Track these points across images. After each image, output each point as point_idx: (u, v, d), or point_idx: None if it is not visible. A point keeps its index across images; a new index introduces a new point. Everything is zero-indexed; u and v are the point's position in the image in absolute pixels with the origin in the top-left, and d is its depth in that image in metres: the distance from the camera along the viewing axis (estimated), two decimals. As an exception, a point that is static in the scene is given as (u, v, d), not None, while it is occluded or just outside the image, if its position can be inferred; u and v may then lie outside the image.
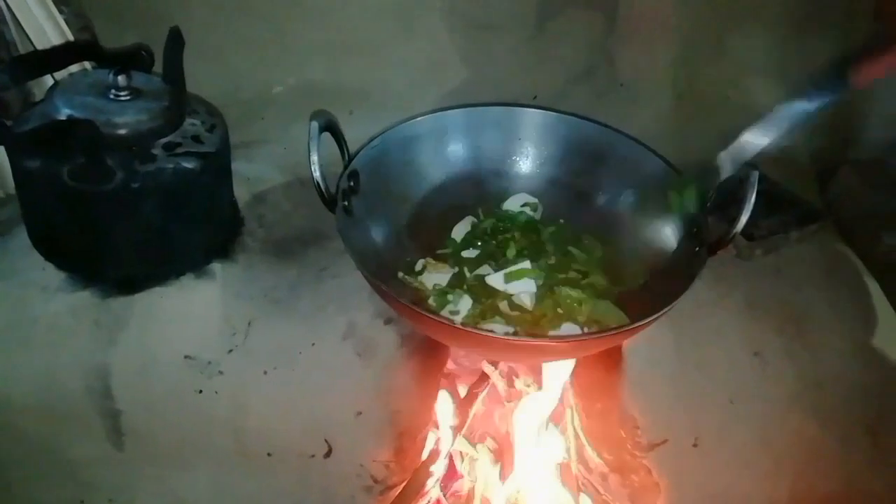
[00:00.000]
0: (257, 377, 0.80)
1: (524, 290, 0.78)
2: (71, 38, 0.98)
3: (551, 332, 0.75)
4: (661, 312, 0.67)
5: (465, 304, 0.78)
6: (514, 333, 0.74)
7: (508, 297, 0.78)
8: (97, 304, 0.82)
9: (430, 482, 0.83)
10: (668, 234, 0.81)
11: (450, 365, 0.89)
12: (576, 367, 0.85)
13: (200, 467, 0.81)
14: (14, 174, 0.83)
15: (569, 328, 0.75)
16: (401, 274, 0.81)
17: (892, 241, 1.02)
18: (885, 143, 1.12)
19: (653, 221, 0.83)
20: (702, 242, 0.75)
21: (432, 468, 0.83)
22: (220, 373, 0.80)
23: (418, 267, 0.82)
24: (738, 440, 0.82)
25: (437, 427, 0.85)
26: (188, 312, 0.82)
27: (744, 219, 0.71)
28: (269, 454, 0.80)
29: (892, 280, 0.97)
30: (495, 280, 0.79)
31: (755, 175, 0.72)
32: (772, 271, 0.95)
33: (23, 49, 0.95)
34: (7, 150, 0.82)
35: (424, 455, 0.83)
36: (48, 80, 0.92)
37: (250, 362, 0.80)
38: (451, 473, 0.88)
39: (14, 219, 0.91)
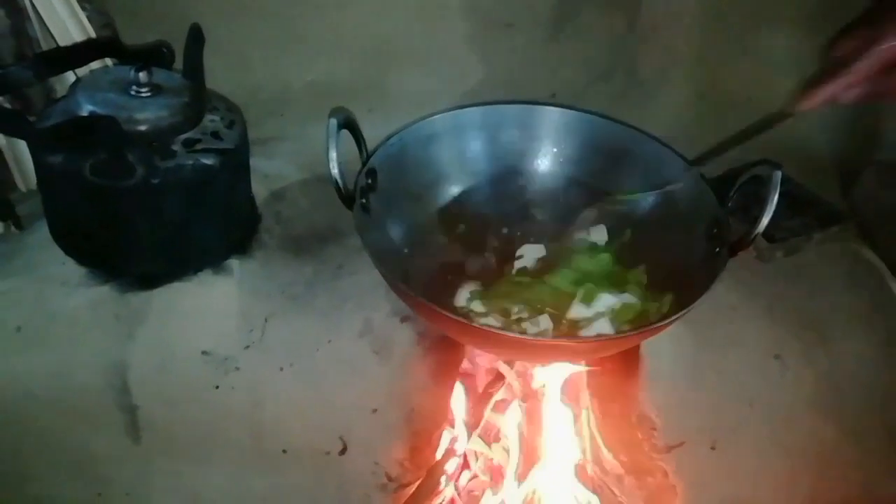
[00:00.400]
0: (274, 373, 0.80)
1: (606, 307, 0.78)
2: (93, 34, 0.98)
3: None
4: (681, 314, 0.67)
5: (544, 322, 0.77)
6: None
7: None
8: (116, 299, 0.82)
9: (445, 481, 0.83)
10: (687, 234, 0.80)
11: (466, 364, 0.89)
12: (593, 368, 0.84)
13: (217, 463, 0.82)
14: (36, 169, 0.84)
15: (601, 325, 0.75)
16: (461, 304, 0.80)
17: (916, 244, 1.00)
18: (909, 145, 1.10)
19: (672, 221, 0.83)
20: (722, 243, 0.74)
21: (447, 467, 0.83)
22: (237, 369, 0.80)
23: (462, 301, 0.80)
24: (756, 443, 0.81)
25: (453, 426, 0.85)
26: (206, 308, 0.83)
27: (765, 220, 0.70)
28: (284, 451, 0.80)
29: (915, 284, 0.96)
30: (579, 311, 0.77)
31: (778, 175, 0.71)
32: (793, 273, 0.94)
33: (45, 46, 0.96)
34: (30, 145, 0.83)
35: (439, 454, 0.83)
36: (70, 77, 0.93)
37: (267, 358, 0.81)
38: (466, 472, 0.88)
39: (35, 213, 0.92)
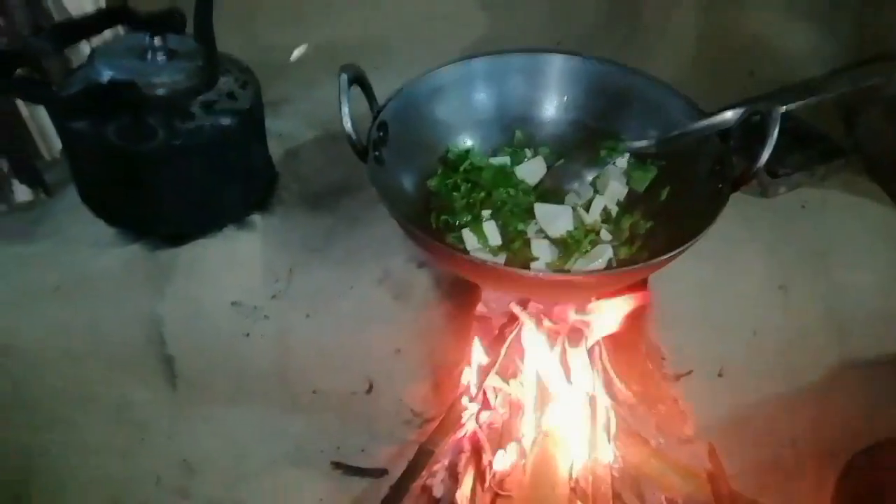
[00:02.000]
0: (300, 320, 0.84)
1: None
2: (103, 4, 1.01)
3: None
4: (685, 247, 0.70)
5: (543, 249, 0.81)
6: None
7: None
8: (147, 257, 0.86)
9: (466, 416, 0.87)
10: (692, 171, 0.83)
11: (481, 308, 0.93)
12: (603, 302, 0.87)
13: (250, 406, 0.87)
14: (62, 136, 0.87)
15: (602, 249, 0.79)
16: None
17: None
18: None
19: (677, 159, 0.85)
20: (725, 179, 0.76)
21: (466, 402, 0.87)
22: (266, 317, 0.84)
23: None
24: (762, 370, 0.85)
25: (471, 365, 0.89)
26: (232, 261, 0.87)
27: (766, 154, 0.72)
28: (313, 392, 0.85)
29: (919, 215, 0.98)
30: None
31: (777, 111, 0.73)
32: (797, 207, 0.96)
33: (58, 16, 0.98)
34: (54, 113, 0.86)
35: (460, 391, 0.87)
36: (84, 47, 0.96)
37: (293, 307, 0.85)
38: (486, 407, 0.92)
39: (62, 180, 0.96)
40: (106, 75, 0.80)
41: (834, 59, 1.17)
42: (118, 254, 0.87)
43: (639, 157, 0.88)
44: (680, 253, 0.70)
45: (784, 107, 0.74)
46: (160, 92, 0.80)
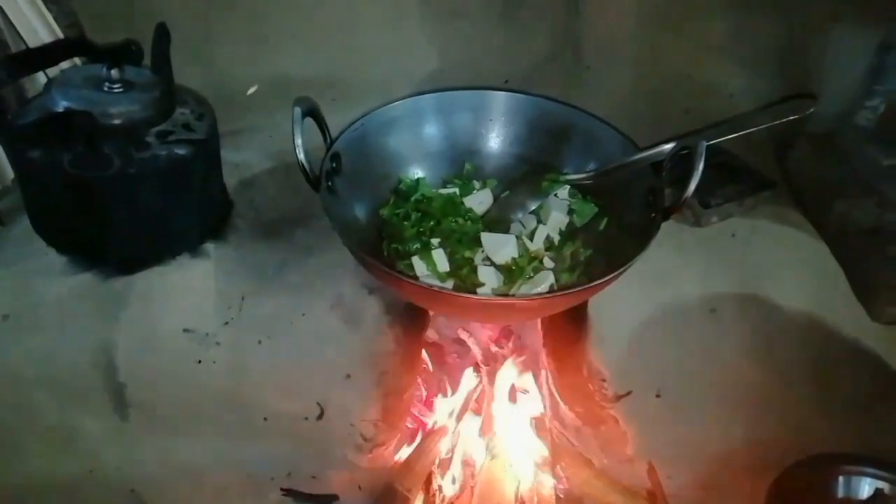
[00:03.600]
0: (252, 346, 0.86)
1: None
2: (60, 35, 1.02)
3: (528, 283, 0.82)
4: (618, 272, 0.74)
5: (489, 276, 0.84)
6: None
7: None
8: (99, 285, 0.87)
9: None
10: (628, 202, 0.88)
11: (431, 333, 0.95)
12: (546, 328, 0.91)
13: (202, 434, 0.87)
14: (15, 165, 0.88)
15: (544, 275, 0.83)
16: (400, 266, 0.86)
17: (843, 207, 1.09)
18: (835, 118, 1.19)
19: (614, 191, 0.90)
20: (657, 209, 0.81)
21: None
22: (218, 344, 0.85)
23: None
24: (696, 390, 0.89)
25: (420, 389, 0.92)
26: (185, 289, 0.88)
27: (693, 185, 0.77)
28: (265, 419, 0.85)
29: (841, 243, 1.05)
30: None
31: (703, 145, 0.78)
32: (727, 236, 1.02)
33: (14, 47, 0.99)
34: (8, 142, 0.87)
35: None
36: (40, 77, 0.97)
37: (245, 333, 0.86)
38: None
39: (13, 209, 0.96)
40: (62, 105, 0.81)
41: (763, 97, 1.25)
42: (70, 282, 0.87)
43: (580, 190, 0.93)
44: (614, 278, 0.75)
45: (709, 141, 0.79)
46: (116, 122, 0.82)
